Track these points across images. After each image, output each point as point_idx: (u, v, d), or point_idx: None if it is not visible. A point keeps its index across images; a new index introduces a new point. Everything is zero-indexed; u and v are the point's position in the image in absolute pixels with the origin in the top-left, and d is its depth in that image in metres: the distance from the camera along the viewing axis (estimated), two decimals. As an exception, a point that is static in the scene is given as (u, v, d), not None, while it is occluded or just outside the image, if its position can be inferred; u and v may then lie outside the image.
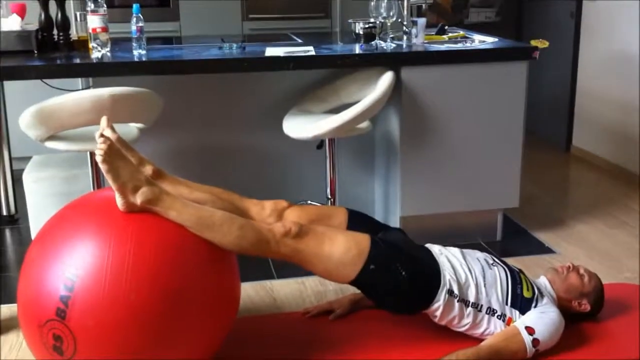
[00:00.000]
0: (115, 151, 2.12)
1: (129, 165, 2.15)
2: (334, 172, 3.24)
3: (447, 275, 2.37)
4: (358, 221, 2.50)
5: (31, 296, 2.04)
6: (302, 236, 2.24)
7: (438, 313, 2.36)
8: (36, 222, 3.30)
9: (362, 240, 2.32)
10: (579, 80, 5.03)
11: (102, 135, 2.11)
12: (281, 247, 2.22)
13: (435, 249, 2.50)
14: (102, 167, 2.09)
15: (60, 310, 1.96)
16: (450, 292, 2.35)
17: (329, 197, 3.26)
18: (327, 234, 2.29)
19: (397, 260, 2.31)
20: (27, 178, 3.34)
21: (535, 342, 2.31)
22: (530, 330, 2.32)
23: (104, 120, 2.31)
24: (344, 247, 2.27)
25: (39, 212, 3.25)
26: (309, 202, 3.32)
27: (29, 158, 3.59)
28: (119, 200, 2.12)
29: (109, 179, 2.11)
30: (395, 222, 3.34)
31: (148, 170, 2.34)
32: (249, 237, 2.20)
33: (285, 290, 2.98)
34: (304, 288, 3.00)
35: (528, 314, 2.38)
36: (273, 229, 2.23)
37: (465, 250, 2.52)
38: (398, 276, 2.29)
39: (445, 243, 2.59)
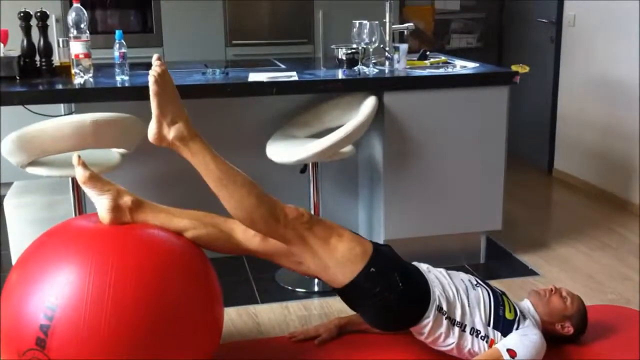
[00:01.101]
0: (169, 78, 2.13)
1: (175, 98, 2.15)
2: (317, 195, 3.24)
3: (436, 291, 2.37)
4: None
5: (11, 325, 2.01)
6: (312, 224, 2.25)
7: (426, 330, 2.36)
8: (17, 248, 3.27)
9: (366, 243, 2.34)
10: (559, 103, 5.09)
11: (158, 59, 2.13)
12: (289, 229, 2.23)
13: (424, 266, 2.52)
14: (152, 89, 2.11)
15: (40, 339, 1.93)
16: (439, 308, 2.35)
17: (313, 221, 3.25)
18: (336, 229, 2.30)
19: (395, 270, 2.32)
20: (8, 204, 3.31)
21: (516, 364, 2.31)
22: (512, 353, 2.31)
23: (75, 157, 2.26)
24: (349, 245, 2.27)
25: (20, 239, 3.22)
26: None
27: (10, 184, 3.56)
28: (152, 129, 2.13)
29: (153, 103, 2.11)
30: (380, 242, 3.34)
31: (127, 201, 2.25)
32: (262, 210, 2.20)
33: (269, 315, 2.97)
34: (287, 312, 2.99)
35: (510, 336, 2.38)
36: (286, 210, 2.24)
37: (449, 271, 2.53)
38: (395, 286, 2.29)
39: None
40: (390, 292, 2.29)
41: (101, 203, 2.21)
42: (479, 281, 2.52)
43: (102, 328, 1.93)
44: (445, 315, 2.35)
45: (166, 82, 2.14)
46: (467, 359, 2.39)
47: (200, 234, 2.30)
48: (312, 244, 2.25)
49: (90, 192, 2.22)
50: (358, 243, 2.31)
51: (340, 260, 2.26)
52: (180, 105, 2.18)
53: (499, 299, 2.46)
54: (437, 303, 2.35)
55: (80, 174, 2.21)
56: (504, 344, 2.35)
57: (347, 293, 2.35)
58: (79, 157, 2.24)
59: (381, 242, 3.34)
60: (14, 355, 1.99)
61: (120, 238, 2.12)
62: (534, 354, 2.35)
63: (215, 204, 3.30)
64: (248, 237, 2.40)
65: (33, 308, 1.97)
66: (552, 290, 2.59)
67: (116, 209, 2.19)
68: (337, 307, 2.41)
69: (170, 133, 2.13)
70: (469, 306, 2.39)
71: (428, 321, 2.34)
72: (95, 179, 2.23)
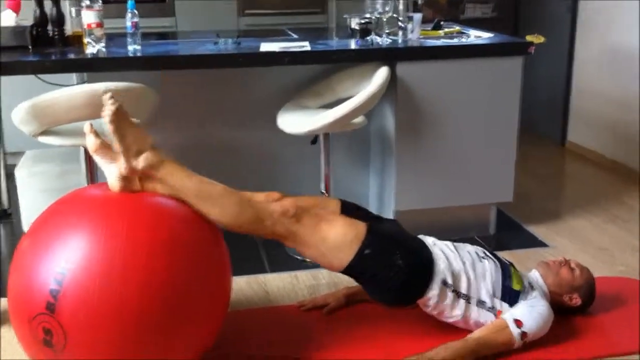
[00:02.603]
0: (123, 113, 2.13)
1: (135, 128, 2.15)
2: (328, 167, 3.24)
3: (441, 265, 2.38)
4: (351, 212, 2.50)
5: (21, 290, 2.04)
6: (299, 217, 2.25)
7: (431, 302, 2.38)
8: (28, 217, 3.30)
9: (359, 226, 2.33)
10: (574, 75, 5.04)
11: (111, 97, 2.11)
12: (277, 226, 2.24)
13: (429, 240, 2.52)
14: (109, 128, 2.10)
15: (50, 304, 1.96)
16: (444, 282, 2.36)
17: (324, 192, 3.27)
18: (324, 216, 2.30)
19: (393, 248, 2.32)
20: (20, 173, 3.34)
21: (523, 334, 2.33)
22: (518, 323, 2.33)
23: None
24: (340, 231, 2.28)
25: (32, 207, 3.26)
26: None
27: (22, 153, 3.59)
28: (121, 163, 2.13)
29: (114, 140, 2.11)
30: (389, 217, 3.34)
31: (138, 164, 2.23)
32: (247, 214, 2.21)
33: (278, 284, 2.99)
34: (296, 281, 3.02)
35: (517, 306, 2.40)
36: (270, 208, 2.25)
37: (456, 244, 2.53)
38: (394, 264, 2.30)
39: (439, 237, 2.59)
40: (389, 270, 2.30)
41: (111, 171, 2.23)
42: (486, 253, 2.53)
43: (112, 293, 1.95)
44: (451, 289, 2.37)
45: (121, 117, 2.12)
46: (474, 330, 2.41)
47: None
48: (302, 236, 2.26)
49: (100, 161, 2.23)
50: (349, 227, 2.30)
51: (333, 248, 2.27)
52: (141, 133, 2.17)
53: (507, 270, 2.47)
54: (442, 276, 2.36)
55: (91, 141, 2.22)
56: (511, 313, 2.37)
57: (348, 274, 2.37)
58: (91, 125, 2.25)
59: (391, 213, 3.35)
60: (25, 320, 2.02)
61: (131, 205, 2.14)
62: (541, 324, 2.37)
63: (226, 176, 3.33)
64: None
65: (43, 273, 1.99)
66: (561, 261, 2.60)
67: (126, 177, 2.21)
68: (346, 277, 2.43)
69: (140, 163, 2.13)
70: (475, 278, 2.40)
71: (433, 294, 2.36)
72: (106, 147, 2.25)
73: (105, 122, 2.12)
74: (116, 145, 2.12)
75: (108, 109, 2.11)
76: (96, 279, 1.96)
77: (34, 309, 1.99)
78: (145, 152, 2.14)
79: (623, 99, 4.51)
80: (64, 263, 1.98)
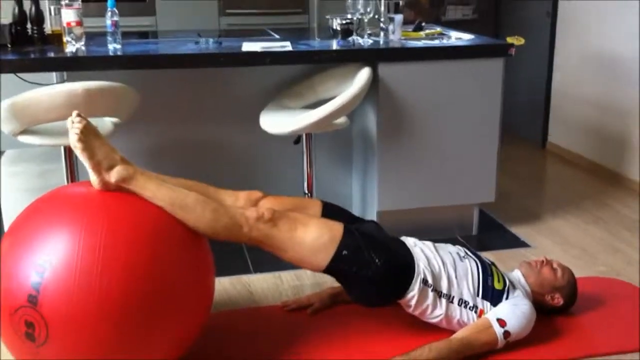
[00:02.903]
0: (90, 130, 2.13)
1: (104, 144, 2.16)
2: (311, 167, 3.23)
3: (421, 265, 2.39)
4: (332, 213, 2.51)
5: (3, 285, 2.03)
6: (275, 221, 2.25)
7: (412, 302, 2.38)
8: (10, 217, 3.25)
9: (335, 227, 2.33)
10: (554, 77, 5.08)
11: (78, 115, 2.11)
12: (254, 231, 2.23)
13: (410, 241, 2.52)
14: (78, 146, 2.10)
15: (32, 296, 1.95)
16: (424, 281, 2.37)
17: (307, 192, 3.26)
18: (300, 219, 2.30)
19: (370, 248, 2.32)
20: (1, 173, 3.30)
21: (506, 334, 2.34)
22: (501, 323, 2.34)
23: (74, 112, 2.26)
24: (316, 233, 2.28)
25: (13, 207, 3.21)
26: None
27: (2, 152, 3.55)
28: (93, 179, 2.13)
29: (83, 158, 2.12)
30: (372, 217, 3.35)
31: (112, 177, 2.21)
32: (222, 221, 2.21)
33: (262, 285, 2.98)
34: (280, 282, 3.00)
35: (500, 305, 2.41)
36: (246, 214, 2.24)
37: (437, 244, 2.54)
38: (371, 264, 2.30)
39: (422, 237, 2.60)
40: (367, 270, 2.30)
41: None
42: (467, 252, 2.54)
43: (93, 285, 1.95)
44: (431, 288, 2.37)
45: (89, 134, 2.12)
46: (457, 329, 2.41)
47: None
48: (279, 241, 2.26)
49: (81, 156, 2.20)
50: (326, 229, 2.31)
51: (311, 250, 2.28)
52: (110, 148, 2.17)
53: (488, 270, 2.48)
54: (422, 276, 2.36)
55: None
56: (494, 313, 2.38)
57: (329, 274, 2.37)
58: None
59: (374, 213, 3.35)
60: (6, 314, 2.00)
61: (112, 202, 2.13)
62: (524, 324, 2.38)
63: (207, 176, 3.31)
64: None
65: (25, 266, 1.98)
66: (543, 261, 2.61)
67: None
68: (330, 278, 2.43)
69: (112, 178, 2.13)
70: (456, 278, 2.41)
71: (413, 294, 2.36)
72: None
73: (72, 141, 2.11)
74: (86, 163, 2.13)
75: (76, 127, 2.10)
76: (77, 271, 1.95)
77: (16, 302, 1.98)
78: (117, 167, 2.14)
79: (602, 101, 4.55)
80: (45, 256, 1.97)
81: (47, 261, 1.96)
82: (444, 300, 2.39)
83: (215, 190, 2.45)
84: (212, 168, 3.45)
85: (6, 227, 3.27)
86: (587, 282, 2.84)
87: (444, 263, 2.42)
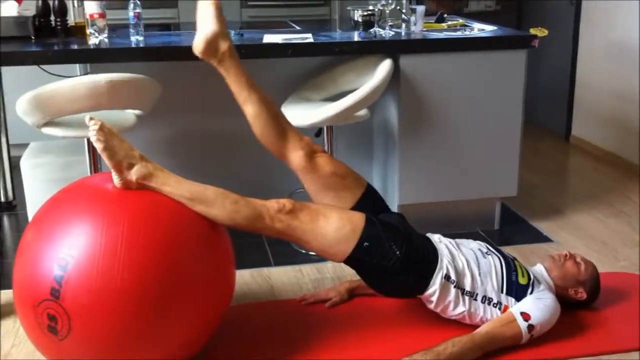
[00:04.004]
0: (108, 130, 2.16)
1: (123, 143, 2.18)
2: (332, 159, 3.22)
3: (444, 260, 2.37)
4: (369, 200, 2.50)
5: (26, 278, 2.05)
6: (296, 212, 2.25)
7: (434, 298, 2.37)
8: (34, 208, 3.29)
9: (357, 218, 2.32)
10: (578, 69, 5.02)
11: (91, 118, 2.15)
12: (275, 222, 2.24)
13: (435, 237, 2.51)
14: (97, 147, 2.14)
15: (55, 290, 1.97)
16: (447, 277, 2.35)
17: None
18: (322, 211, 2.30)
19: (392, 240, 2.32)
20: (25, 164, 3.34)
21: (530, 327, 2.32)
22: (525, 317, 2.33)
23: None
24: (337, 224, 2.27)
25: (37, 199, 3.25)
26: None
27: (26, 145, 3.58)
28: (115, 178, 2.15)
29: (104, 158, 2.15)
30: (393, 210, 3.33)
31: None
32: (243, 212, 2.22)
33: (282, 278, 2.98)
34: (301, 275, 3.01)
35: (524, 300, 2.39)
36: (267, 205, 2.25)
37: (459, 240, 2.53)
38: (392, 255, 2.30)
39: (443, 231, 2.59)
40: (388, 261, 2.30)
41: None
42: (490, 248, 2.52)
43: (115, 279, 1.96)
44: (454, 284, 2.36)
45: (108, 134, 2.15)
46: (480, 325, 2.39)
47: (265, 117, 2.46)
48: (301, 232, 2.27)
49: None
50: (347, 221, 2.30)
51: (332, 241, 2.28)
52: (129, 147, 2.19)
53: (511, 265, 2.46)
54: (445, 272, 2.35)
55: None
56: (518, 307, 2.36)
57: (349, 265, 2.37)
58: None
59: (395, 207, 3.34)
60: (30, 307, 2.02)
61: (133, 195, 2.15)
62: (548, 317, 2.37)
63: (229, 168, 3.32)
64: (296, 147, 2.49)
65: (47, 260, 2.00)
66: (566, 255, 2.59)
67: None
68: (350, 271, 2.43)
69: (133, 176, 2.15)
70: (479, 275, 2.39)
71: (435, 289, 2.35)
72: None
73: (92, 141, 2.15)
74: (107, 162, 2.15)
75: (92, 129, 2.13)
76: (99, 265, 1.97)
77: (39, 295, 2.00)
78: (137, 165, 2.16)
79: (627, 93, 4.49)
80: (67, 249, 1.99)
81: (70, 254, 1.98)
82: (466, 297, 2.37)
83: (286, 121, 2.52)
84: (233, 159, 3.45)
85: (30, 218, 3.32)
86: (609, 277, 2.81)
87: (467, 261, 2.41)
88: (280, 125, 2.48)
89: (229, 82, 2.48)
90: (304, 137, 2.51)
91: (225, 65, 2.46)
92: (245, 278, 2.95)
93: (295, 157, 2.46)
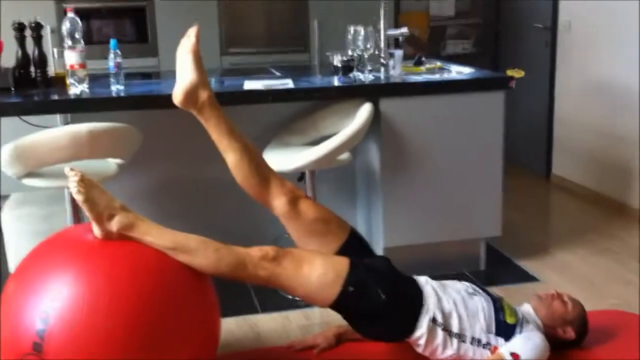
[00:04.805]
0: (88, 181, 2.15)
1: (104, 194, 2.17)
2: (315, 204, 3.21)
3: (431, 303, 2.35)
4: (354, 245, 2.47)
5: (8, 331, 2.01)
6: (280, 260, 2.23)
7: (422, 341, 2.34)
8: (15, 260, 3.24)
9: (341, 263, 2.31)
10: (556, 108, 5.09)
11: (71, 169, 2.14)
12: (259, 270, 2.22)
13: (422, 279, 2.50)
14: (78, 199, 2.12)
15: (37, 344, 1.93)
16: (434, 319, 2.33)
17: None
18: (306, 257, 2.28)
19: (377, 284, 2.30)
20: (6, 216, 3.30)
21: (520, 368, 2.30)
22: (515, 357, 2.30)
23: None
24: (321, 270, 2.26)
25: (18, 251, 3.19)
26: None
27: (7, 196, 3.55)
28: (96, 229, 2.13)
29: (85, 209, 2.13)
30: (379, 254, 3.32)
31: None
32: (226, 260, 2.20)
33: (269, 325, 2.95)
34: (288, 322, 2.97)
35: (513, 340, 2.37)
36: (250, 252, 2.23)
37: (445, 282, 2.51)
38: (378, 299, 2.28)
39: (429, 273, 2.58)
40: (373, 305, 2.28)
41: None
42: (476, 289, 2.51)
43: (98, 332, 1.93)
44: (442, 327, 2.34)
45: (88, 186, 2.15)
46: (470, 367, 2.37)
47: (247, 161, 2.42)
48: (285, 279, 2.25)
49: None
50: (331, 266, 2.29)
51: (316, 288, 2.26)
52: (109, 197, 2.18)
53: (498, 305, 2.45)
54: (431, 315, 2.33)
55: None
56: (507, 347, 2.34)
57: (335, 310, 2.35)
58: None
59: (380, 250, 3.32)
60: None
61: (115, 245, 2.13)
62: (538, 356, 2.34)
63: (211, 215, 3.29)
64: (277, 194, 2.45)
65: (29, 313, 1.97)
66: (553, 294, 2.58)
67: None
68: (338, 316, 2.40)
69: (113, 227, 2.14)
70: (467, 316, 2.37)
71: (422, 332, 2.33)
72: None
73: (74, 193, 2.14)
74: (88, 214, 2.14)
75: (72, 180, 2.13)
76: (82, 317, 1.94)
77: (21, 349, 1.96)
78: (117, 215, 2.14)
79: (605, 130, 4.55)
80: (49, 302, 1.96)
81: (52, 307, 1.95)
82: (455, 340, 2.35)
83: (267, 167, 2.48)
84: (215, 207, 3.43)
85: (12, 270, 3.27)
86: (598, 315, 2.80)
87: (454, 302, 2.39)
88: (262, 172, 2.47)
89: (210, 131, 2.46)
90: (287, 183, 2.49)
91: (205, 114, 2.45)
92: (231, 326, 2.91)
93: (278, 203, 2.44)
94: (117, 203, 2.17)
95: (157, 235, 2.16)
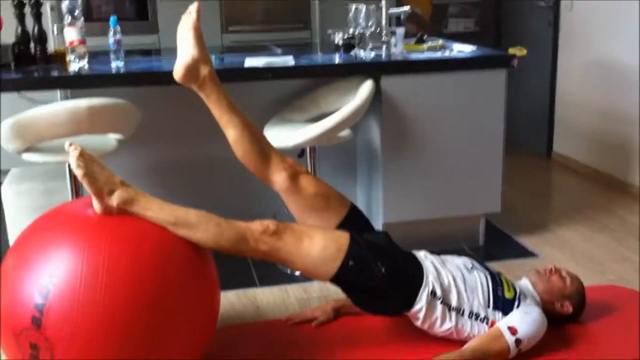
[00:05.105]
0: (88, 156, 2.15)
1: (104, 169, 2.17)
2: (315, 180, 3.22)
3: (430, 277, 2.37)
4: (354, 220, 2.49)
5: (6, 306, 2.01)
6: (280, 234, 2.24)
7: (421, 315, 2.36)
8: (15, 235, 3.26)
9: (341, 238, 2.32)
10: (558, 87, 5.08)
11: (71, 144, 2.14)
12: (260, 244, 2.23)
13: (421, 254, 2.51)
14: (77, 173, 2.12)
15: (36, 318, 1.93)
16: (433, 293, 2.35)
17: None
18: (306, 231, 2.29)
19: (377, 258, 2.31)
20: (6, 191, 3.31)
21: (517, 342, 2.31)
22: (512, 331, 2.32)
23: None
24: (322, 244, 2.27)
25: (18, 225, 3.22)
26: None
27: (7, 171, 3.56)
28: (96, 204, 2.13)
29: (84, 184, 2.13)
30: (378, 229, 3.33)
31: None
32: (227, 235, 2.20)
33: (268, 298, 2.97)
34: (287, 296, 2.99)
35: (511, 314, 2.38)
36: (251, 227, 2.24)
37: (444, 257, 2.53)
38: (378, 274, 2.29)
39: (428, 248, 2.59)
40: (373, 279, 2.30)
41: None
42: (475, 264, 2.52)
43: (97, 306, 1.93)
44: (440, 301, 2.35)
45: (88, 161, 2.15)
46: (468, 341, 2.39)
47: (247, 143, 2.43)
48: (285, 253, 2.26)
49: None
50: (331, 241, 2.30)
51: (317, 262, 2.27)
52: (109, 173, 2.19)
53: (497, 279, 2.46)
54: (430, 288, 2.35)
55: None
56: (505, 322, 2.36)
57: (335, 284, 2.36)
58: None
59: (380, 225, 3.34)
60: (11, 336, 1.99)
61: (114, 220, 2.13)
62: (535, 331, 2.36)
63: (211, 191, 3.30)
64: (279, 169, 2.46)
65: (28, 288, 1.97)
66: (552, 269, 2.59)
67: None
68: (337, 290, 2.42)
69: (114, 202, 2.14)
70: (466, 290, 2.39)
71: (421, 306, 2.34)
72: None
73: (73, 168, 2.14)
74: (88, 189, 2.14)
75: (72, 155, 2.13)
76: (81, 292, 1.94)
77: (20, 323, 1.96)
78: (117, 190, 2.15)
79: (606, 108, 4.54)
80: (48, 277, 1.96)
81: (50, 282, 1.95)
82: (453, 314, 2.37)
83: (267, 143, 2.49)
84: (215, 183, 3.45)
85: (11, 245, 3.29)
86: (595, 290, 2.82)
87: (453, 277, 2.41)
88: (262, 148, 2.48)
89: (210, 106, 2.47)
90: (287, 159, 2.50)
91: (206, 90, 2.45)
92: (231, 299, 2.93)
93: (278, 178, 2.45)
94: (117, 178, 2.18)
95: (157, 210, 2.17)
